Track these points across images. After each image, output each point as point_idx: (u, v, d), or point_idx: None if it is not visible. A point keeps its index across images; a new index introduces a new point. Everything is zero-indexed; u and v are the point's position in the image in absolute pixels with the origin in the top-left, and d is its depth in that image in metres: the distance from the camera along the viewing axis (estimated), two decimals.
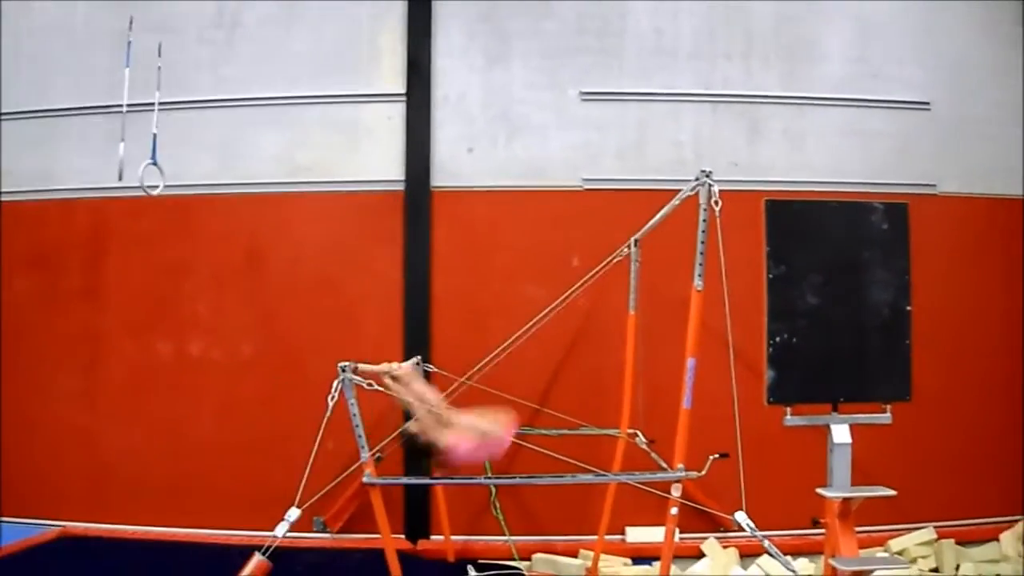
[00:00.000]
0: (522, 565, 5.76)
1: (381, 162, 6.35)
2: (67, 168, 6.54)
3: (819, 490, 3.75)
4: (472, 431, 4.36)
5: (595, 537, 5.65)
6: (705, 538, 5.88)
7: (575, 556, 5.88)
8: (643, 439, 5.44)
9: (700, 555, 5.83)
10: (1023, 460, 6.20)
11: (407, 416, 4.62)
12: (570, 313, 5.71)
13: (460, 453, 4.29)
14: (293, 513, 4.16)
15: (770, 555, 4.20)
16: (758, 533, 4.02)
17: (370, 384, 4.30)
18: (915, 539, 5.91)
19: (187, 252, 6.44)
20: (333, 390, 4.12)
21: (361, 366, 4.35)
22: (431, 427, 4.36)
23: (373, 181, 6.36)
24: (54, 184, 6.55)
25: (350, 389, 4.18)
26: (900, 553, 5.78)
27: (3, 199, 6.58)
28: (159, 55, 4.98)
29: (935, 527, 5.96)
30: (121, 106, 4.71)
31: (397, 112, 6.37)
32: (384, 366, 4.59)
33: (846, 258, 3.86)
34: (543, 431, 5.78)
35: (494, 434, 4.42)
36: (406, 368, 4.82)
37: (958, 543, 5.90)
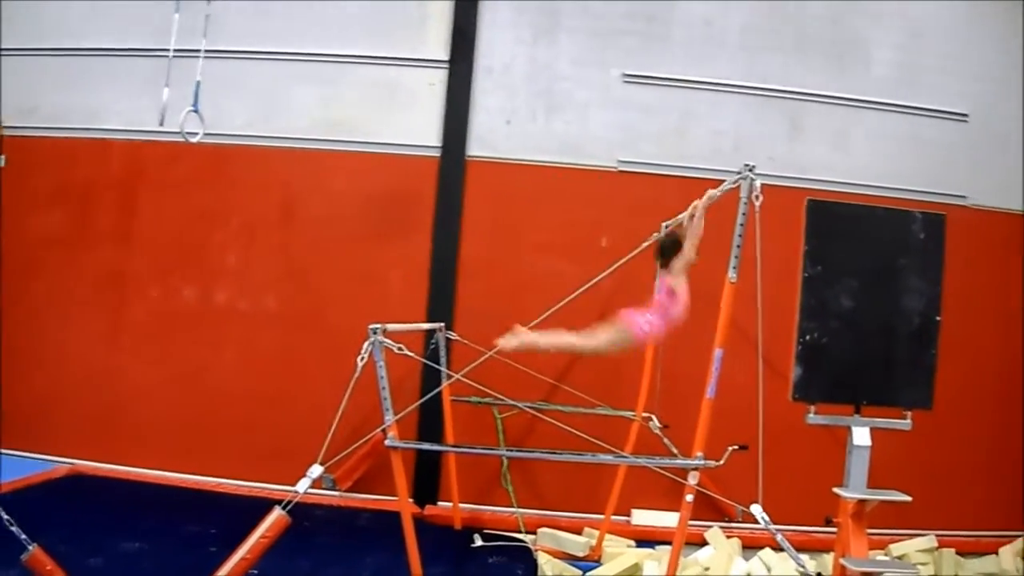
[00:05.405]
0: (527, 538, 5.78)
1: (419, 127, 6.36)
2: (104, 108, 6.55)
3: (836, 490, 3.78)
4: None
5: (601, 516, 5.70)
6: (709, 527, 5.89)
7: (580, 533, 5.91)
8: (657, 423, 5.47)
9: (703, 543, 5.84)
10: None
11: None
12: (595, 293, 5.65)
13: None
14: (315, 470, 4.10)
15: (780, 549, 4.20)
16: (772, 526, 4.03)
17: (400, 348, 4.32)
18: (916, 545, 5.94)
19: (220, 201, 6.47)
20: (363, 351, 4.12)
21: None
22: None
23: (410, 145, 6.37)
24: (89, 123, 6.56)
25: (380, 351, 4.19)
26: (900, 558, 5.81)
27: (35, 134, 6.59)
28: (207, 2, 4.92)
29: (937, 535, 5.97)
30: (167, 51, 4.65)
31: (439, 79, 6.37)
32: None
33: (882, 264, 3.87)
34: (559, 407, 5.82)
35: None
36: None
37: (958, 553, 5.92)
